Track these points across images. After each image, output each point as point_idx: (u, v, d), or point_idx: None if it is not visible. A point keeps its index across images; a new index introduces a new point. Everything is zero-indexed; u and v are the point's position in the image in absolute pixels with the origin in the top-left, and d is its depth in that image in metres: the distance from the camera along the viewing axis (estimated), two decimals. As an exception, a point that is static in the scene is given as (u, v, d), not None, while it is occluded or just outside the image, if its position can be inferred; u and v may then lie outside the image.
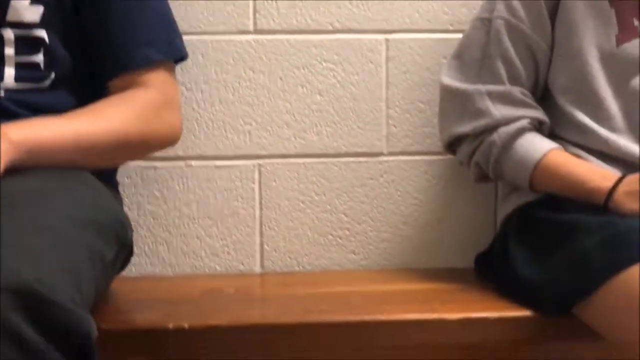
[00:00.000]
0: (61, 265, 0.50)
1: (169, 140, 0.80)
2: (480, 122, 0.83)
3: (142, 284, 0.92)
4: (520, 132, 0.81)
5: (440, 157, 1.02)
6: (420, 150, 1.02)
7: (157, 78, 0.77)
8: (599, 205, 0.74)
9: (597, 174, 0.76)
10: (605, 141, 0.79)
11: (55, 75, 0.76)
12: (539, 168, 0.79)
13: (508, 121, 0.81)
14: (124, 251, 0.69)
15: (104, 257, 0.60)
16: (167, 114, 0.78)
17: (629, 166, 0.77)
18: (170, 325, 0.70)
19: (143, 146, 0.78)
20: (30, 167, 0.65)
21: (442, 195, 1.03)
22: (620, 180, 0.74)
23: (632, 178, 0.73)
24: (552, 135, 0.84)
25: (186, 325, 0.70)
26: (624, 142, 0.79)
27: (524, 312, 0.74)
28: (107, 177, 0.81)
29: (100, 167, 0.75)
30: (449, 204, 1.03)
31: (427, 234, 1.03)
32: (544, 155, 0.79)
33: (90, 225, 0.58)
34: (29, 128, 0.67)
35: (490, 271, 0.89)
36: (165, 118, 0.78)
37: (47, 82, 0.76)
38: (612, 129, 0.80)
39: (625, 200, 0.72)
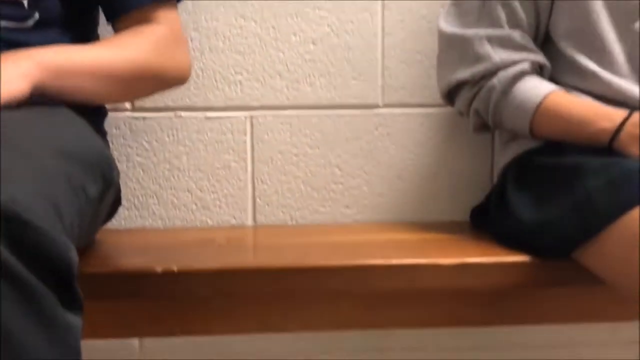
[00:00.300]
0: (38, 190, 0.47)
1: (182, 77, 0.80)
2: (480, 67, 0.80)
3: (131, 235, 0.90)
4: (520, 75, 0.79)
5: (437, 109, 1.00)
6: (416, 102, 1.00)
7: (162, 15, 0.76)
8: (603, 147, 0.72)
9: (601, 115, 0.74)
10: (608, 84, 0.77)
11: (40, 16, 0.73)
12: (539, 111, 0.77)
13: (508, 65, 0.79)
14: (110, 192, 0.67)
15: (87, 192, 0.57)
16: (179, 50, 0.78)
17: (631, 110, 0.75)
18: (159, 269, 0.68)
19: (158, 80, 0.77)
20: (52, 92, 0.64)
21: (439, 149, 1.01)
22: (625, 120, 0.71)
23: (636, 119, 0.71)
24: (552, 81, 0.81)
25: (175, 269, 0.68)
26: (627, 86, 0.77)
27: (521, 258, 0.73)
28: (96, 123, 0.79)
29: (118, 100, 0.77)
30: (446, 157, 1.01)
31: (423, 188, 1.02)
32: (545, 97, 0.77)
33: (71, 157, 0.56)
34: (54, 52, 0.66)
35: (487, 223, 0.88)
36: (177, 53, 0.78)
37: (31, 22, 0.73)
38: (615, 72, 0.77)
39: (629, 142, 0.70)
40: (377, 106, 1.00)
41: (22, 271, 0.45)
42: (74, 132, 0.62)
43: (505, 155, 0.87)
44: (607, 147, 0.72)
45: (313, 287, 0.71)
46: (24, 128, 0.55)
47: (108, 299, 0.69)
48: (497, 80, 0.79)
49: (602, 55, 0.78)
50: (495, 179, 0.91)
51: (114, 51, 0.72)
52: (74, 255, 0.48)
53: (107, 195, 0.67)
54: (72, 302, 0.49)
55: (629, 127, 0.72)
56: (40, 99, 0.64)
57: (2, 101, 0.59)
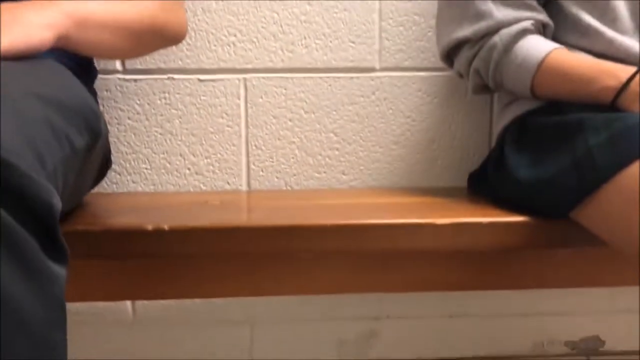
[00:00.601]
0: (18, 132, 0.45)
1: (181, 34, 0.80)
2: (482, 25, 0.78)
3: (122, 197, 0.88)
4: (523, 33, 0.76)
5: (435, 73, 0.98)
6: (414, 65, 0.98)
7: None
8: (605, 105, 0.70)
9: (605, 73, 0.71)
10: (610, 42, 0.75)
11: None
12: (541, 69, 0.75)
13: (510, 23, 0.77)
14: (98, 145, 0.65)
15: (72, 142, 0.55)
16: (179, 8, 0.78)
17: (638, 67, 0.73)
18: (149, 227, 0.66)
19: (162, 36, 0.77)
20: (73, 44, 0.64)
21: (436, 114, 0.99)
22: (631, 78, 0.69)
23: None
24: (554, 40, 0.79)
25: (166, 227, 0.66)
26: (629, 43, 0.74)
27: (519, 218, 0.71)
28: (85, 82, 0.76)
29: (128, 55, 0.79)
30: (443, 122, 0.99)
31: (420, 154, 1.00)
32: (547, 54, 0.74)
33: (55, 104, 0.54)
34: (76, 2, 0.64)
35: (484, 188, 0.86)
36: (178, 11, 0.78)
37: None
38: (618, 29, 0.75)
39: (633, 100, 0.68)
40: (374, 70, 0.97)
41: (3, 216, 0.43)
42: (58, 81, 0.60)
43: (504, 118, 0.85)
44: (609, 105, 0.70)
45: (309, 247, 0.69)
46: (4, 72, 0.52)
47: (98, 258, 0.67)
48: (498, 38, 0.77)
49: (605, 12, 0.76)
50: (495, 140, 0.90)
51: (124, 5, 0.70)
52: (57, 202, 0.46)
53: (95, 149, 0.65)
54: (56, 253, 0.47)
55: (633, 85, 0.70)
56: None
57: (21, 51, 0.57)
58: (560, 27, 0.80)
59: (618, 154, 0.63)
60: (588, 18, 0.77)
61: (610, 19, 0.76)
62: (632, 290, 1.03)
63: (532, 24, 0.77)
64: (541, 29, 0.79)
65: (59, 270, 0.48)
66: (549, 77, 0.75)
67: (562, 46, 0.77)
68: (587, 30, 0.77)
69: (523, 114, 0.81)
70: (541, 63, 0.75)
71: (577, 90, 0.73)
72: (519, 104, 0.83)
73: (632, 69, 0.71)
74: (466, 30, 0.79)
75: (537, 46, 0.76)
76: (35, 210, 0.44)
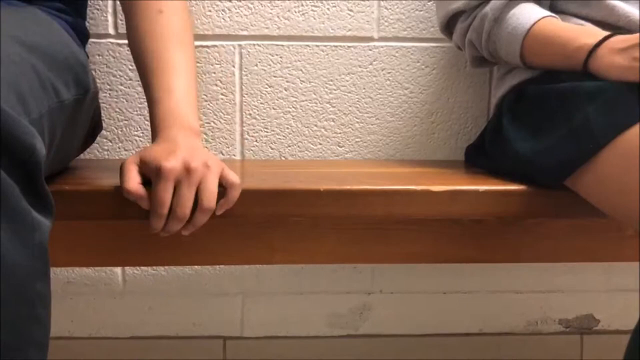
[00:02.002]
0: (2, 76, 0.43)
1: None
2: None
3: (113, 162, 0.86)
4: (514, 2, 0.74)
5: (433, 44, 0.96)
6: (412, 36, 0.96)
7: None
8: (580, 64, 0.67)
9: (584, 33, 0.69)
10: (612, 9, 0.73)
11: None
12: (528, 36, 0.73)
13: None
14: (87, 100, 0.63)
15: (58, 92, 0.54)
16: None
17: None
18: (138, 188, 0.65)
19: None
20: None
21: (435, 86, 0.98)
22: (610, 36, 0.67)
23: (621, 37, 0.66)
24: (553, 9, 0.78)
25: (155, 188, 0.65)
26: (629, 8, 0.73)
27: (516, 186, 0.70)
28: (77, 43, 0.74)
29: None
30: (442, 95, 0.98)
31: (417, 126, 0.98)
32: (536, 22, 0.73)
33: (40, 53, 0.52)
34: None
35: (482, 160, 0.85)
36: None
37: None
38: (621, -6, 0.74)
39: (608, 54, 0.65)
40: (372, 39, 0.96)
41: None
42: (45, 32, 0.58)
43: (501, 88, 0.84)
44: (583, 64, 0.67)
45: (302, 212, 0.68)
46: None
47: (86, 218, 0.66)
48: (489, 8, 0.75)
49: (606, -23, 0.74)
50: (492, 112, 0.88)
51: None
52: (40, 147, 0.44)
53: (84, 105, 0.63)
54: (39, 202, 0.46)
55: (611, 41, 0.66)
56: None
57: None
58: (560, -6, 0.78)
59: (616, 118, 0.62)
60: (589, -16, 0.75)
61: (612, -17, 0.74)
62: (628, 268, 1.02)
63: None
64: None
65: (43, 220, 0.46)
66: (535, 44, 0.73)
67: (554, 15, 0.75)
68: (588, -5, 0.75)
69: (520, 83, 0.80)
70: (529, 30, 0.73)
71: (557, 53, 0.71)
72: (515, 73, 0.81)
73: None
74: (460, 2, 0.78)
75: (527, 14, 0.74)
76: (15, 151, 0.42)
